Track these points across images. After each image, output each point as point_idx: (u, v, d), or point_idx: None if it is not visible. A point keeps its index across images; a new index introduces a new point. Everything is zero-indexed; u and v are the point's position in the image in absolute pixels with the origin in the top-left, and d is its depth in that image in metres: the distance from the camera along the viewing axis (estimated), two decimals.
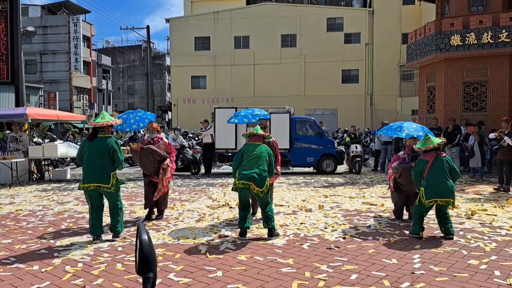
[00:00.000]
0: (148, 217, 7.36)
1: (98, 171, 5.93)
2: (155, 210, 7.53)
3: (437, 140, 6.21)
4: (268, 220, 6.08)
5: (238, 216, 7.50)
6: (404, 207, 7.17)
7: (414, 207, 6.25)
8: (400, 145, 14.60)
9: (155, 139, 7.44)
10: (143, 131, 17.09)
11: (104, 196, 6.11)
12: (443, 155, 6.17)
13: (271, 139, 7.00)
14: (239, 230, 6.13)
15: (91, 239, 6.08)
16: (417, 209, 6.11)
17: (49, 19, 38.39)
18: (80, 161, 6.23)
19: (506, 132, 10.24)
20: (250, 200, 6.28)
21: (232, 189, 6.36)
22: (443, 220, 6.01)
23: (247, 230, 6.13)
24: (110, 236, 6.17)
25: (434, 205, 6.00)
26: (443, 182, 5.92)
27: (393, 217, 7.30)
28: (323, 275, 4.54)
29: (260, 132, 6.57)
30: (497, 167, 10.95)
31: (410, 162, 6.86)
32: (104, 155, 5.98)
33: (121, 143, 20.86)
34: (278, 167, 7.21)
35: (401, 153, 7.43)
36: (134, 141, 7.31)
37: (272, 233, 6.10)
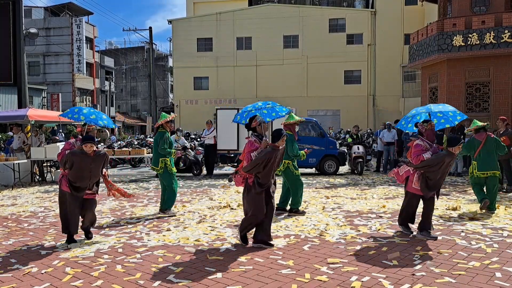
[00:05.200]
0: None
1: (154, 157, 7.95)
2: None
3: (479, 123, 8.08)
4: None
5: (239, 217, 7.53)
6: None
7: (471, 180, 8.08)
8: (404, 145, 14.58)
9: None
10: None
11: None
12: (491, 135, 7.94)
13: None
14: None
15: (91, 240, 6.10)
16: (472, 181, 8.06)
17: (52, 20, 38.55)
18: None
19: (501, 131, 10.19)
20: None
21: None
22: (490, 193, 7.78)
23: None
24: (110, 238, 6.18)
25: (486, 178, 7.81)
26: (492, 158, 7.84)
27: (393, 218, 7.25)
28: (323, 276, 4.52)
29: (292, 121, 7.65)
30: None
31: (440, 150, 6.02)
32: (157, 145, 7.83)
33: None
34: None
35: (418, 141, 6.14)
36: (89, 141, 5.82)
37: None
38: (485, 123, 8.19)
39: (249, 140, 5.75)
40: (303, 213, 7.70)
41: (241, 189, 10.79)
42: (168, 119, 7.97)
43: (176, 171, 8.10)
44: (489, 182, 7.84)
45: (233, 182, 5.95)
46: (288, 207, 7.86)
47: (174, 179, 7.95)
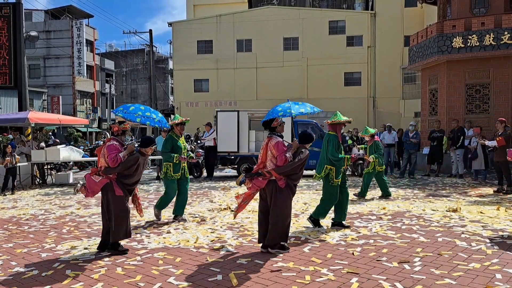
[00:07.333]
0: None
1: None
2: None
3: (372, 130, 10.00)
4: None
5: (239, 219, 7.53)
6: None
7: (371, 176, 9.89)
8: (404, 147, 14.58)
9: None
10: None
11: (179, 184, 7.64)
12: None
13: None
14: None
15: (92, 243, 6.10)
16: (373, 177, 9.82)
17: (52, 23, 38.59)
18: None
19: (499, 133, 10.20)
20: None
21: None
22: (385, 182, 9.89)
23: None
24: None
25: None
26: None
27: (394, 220, 7.24)
28: (324, 278, 4.52)
29: (330, 121, 6.87)
30: (495, 169, 10.96)
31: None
32: None
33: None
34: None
35: None
36: (150, 144, 5.86)
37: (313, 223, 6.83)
38: (376, 130, 10.55)
39: (279, 141, 5.48)
40: (321, 227, 6.84)
41: (241, 191, 10.82)
42: (176, 122, 7.63)
43: (178, 177, 7.54)
44: (381, 175, 9.79)
45: (242, 186, 5.68)
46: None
47: (170, 185, 7.52)
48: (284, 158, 5.36)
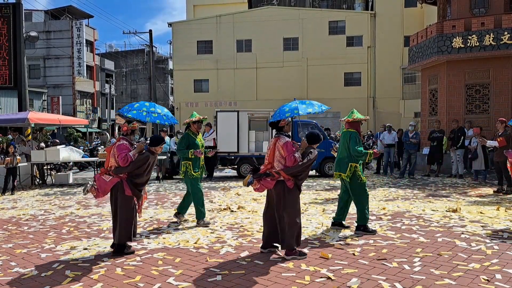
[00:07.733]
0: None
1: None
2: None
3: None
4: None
5: (238, 220, 7.53)
6: None
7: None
8: (404, 147, 14.59)
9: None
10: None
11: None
12: None
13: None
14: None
15: (91, 243, 6.10)
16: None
17: (52, 24, 38.61)
18: None
19: (499, 133, 10.20)
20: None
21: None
22: None
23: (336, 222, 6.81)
24: (110, 241, 6.18)
25: None
26: None
27: (393, 220, 7.23)
28: (323, 278, 4.52)
29: (351, 118, 6.61)
30: (495, 169, 10.97)
31: None
32: None
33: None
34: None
35: None
36: (159, 142, 5.83)
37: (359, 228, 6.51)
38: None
39: (288, 141, 5.32)
40: (374, 232, 6.42)
41: (241, 191, 10.82)
42: (194, 120, 7.40)
43: (199, 175, 7.32)
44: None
45: (249, 187, 5.53)
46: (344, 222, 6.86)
47: (194, 184, 7.24)
48: (293, 158, 5.24)
